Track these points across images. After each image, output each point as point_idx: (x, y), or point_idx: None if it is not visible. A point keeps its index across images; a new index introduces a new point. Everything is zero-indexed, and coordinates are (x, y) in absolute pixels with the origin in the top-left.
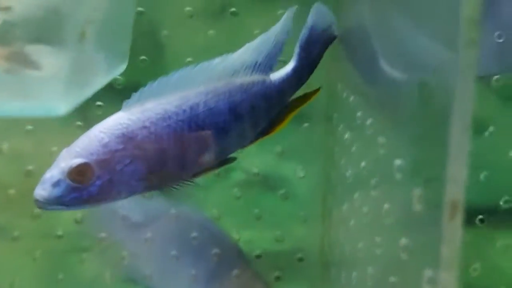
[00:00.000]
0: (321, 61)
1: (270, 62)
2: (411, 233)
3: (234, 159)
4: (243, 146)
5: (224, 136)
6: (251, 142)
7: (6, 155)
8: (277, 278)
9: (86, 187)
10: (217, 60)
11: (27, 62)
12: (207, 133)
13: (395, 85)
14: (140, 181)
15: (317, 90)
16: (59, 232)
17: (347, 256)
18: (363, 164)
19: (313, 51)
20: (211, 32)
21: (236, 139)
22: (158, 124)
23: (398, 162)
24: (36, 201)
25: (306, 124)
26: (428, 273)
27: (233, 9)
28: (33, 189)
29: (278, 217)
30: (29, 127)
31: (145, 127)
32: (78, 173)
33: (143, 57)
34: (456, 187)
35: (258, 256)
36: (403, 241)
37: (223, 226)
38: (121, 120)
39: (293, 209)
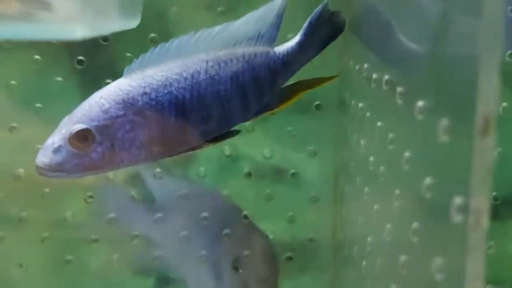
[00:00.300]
0: (334, 44)
1: (273, 34)
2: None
3: (237, 132)
4: (246, 119)
5: (225, 105)
6: (255, 115)
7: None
8: (289, 259)
9: (87, 153)
10: (218, 28)
11: (41, 4)
12: (209, 101)
13: (412, 58)
14: (141, 148)
15: (332, 77)
16: (68, 214)
17: (359, 236)
18: (376, 141)
19: (322, 29)
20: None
21: (238, 110)
22: (159, 90)
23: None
24: (38, 167)
25: (317, 103)
26: (457, 201)
27: None
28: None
29: (290, 199)
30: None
31: (145, 93)
32: (79, 139)
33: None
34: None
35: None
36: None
37: None
38: (122, 86)
39: (304, 190)
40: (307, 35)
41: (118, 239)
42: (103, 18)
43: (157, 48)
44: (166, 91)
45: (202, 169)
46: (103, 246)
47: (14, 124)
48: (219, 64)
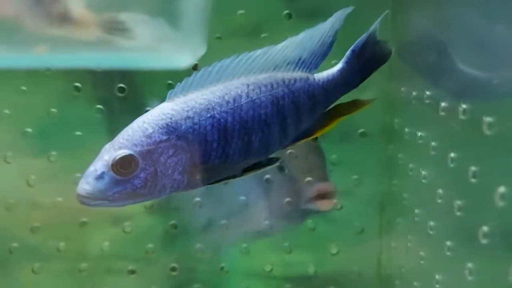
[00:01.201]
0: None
1: (315, 61)
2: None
3: (276, 160)
4: (285, 145)
5: (265, 130)
6: (293, 142)
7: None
8: None
9: (130, 180)
10: (259, 52)
11: (121, 31)
12: (250, 124)
13: (473, 82)
14: (184, 174)
15: (370, 100)
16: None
17: (415, 271)
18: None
19: (365, 57)
20: None
21: (278, 136)
22: (202, 114)
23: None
24: (79, 196)
25: (361, 130)
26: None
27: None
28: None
29: (333, 229)
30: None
31: (188, 117)
32: (122, 165)
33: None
34: None
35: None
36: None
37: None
38: (165, 111)
39: (349, 220)
40: (349, 63)
41: (155, 270)
42: (177, 53)
43: (200, 72)
44: (208, 115)
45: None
46: (140, 278)
47: (53, 153)
48: (260, 88)
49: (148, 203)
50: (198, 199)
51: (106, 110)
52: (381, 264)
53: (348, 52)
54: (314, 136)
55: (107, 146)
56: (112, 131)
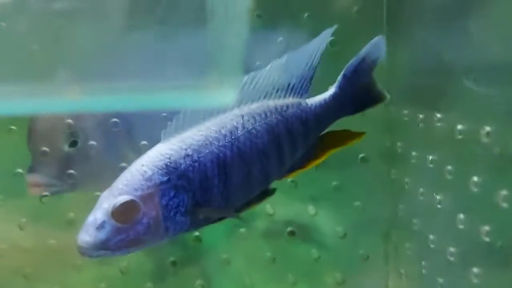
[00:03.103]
0: None
1: (305, 85)
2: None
3: (274, 190)
4: (281, 175)
5: (264, 160)
6: (288, 173)
7: None
8: None
9: (132, 227)
10: (245, 79)
11: None
12: (249, 156)
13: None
14: (186, 215)
15: (361, 133)
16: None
17: None
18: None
19: (357, 85)
20: None
21: (276, 164)
22: (201, 151)
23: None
24: (80, 248)
25: (362, 155)
26: None
27: None
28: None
29: (337, 257)
30: None
31: (187, 155)
32: (124, 212)
33: None
34: None
35: None
36: None
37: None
38: (163, 151)
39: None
40: (342, 88)
41: None
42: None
43: (189, 108)
44: (207, 151)
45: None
46: None
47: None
48: (254, 118)
49: None
50: None
51: None
52: None
53: (340, 77)
54: (308, 167)
55: (105, 193)
56: None
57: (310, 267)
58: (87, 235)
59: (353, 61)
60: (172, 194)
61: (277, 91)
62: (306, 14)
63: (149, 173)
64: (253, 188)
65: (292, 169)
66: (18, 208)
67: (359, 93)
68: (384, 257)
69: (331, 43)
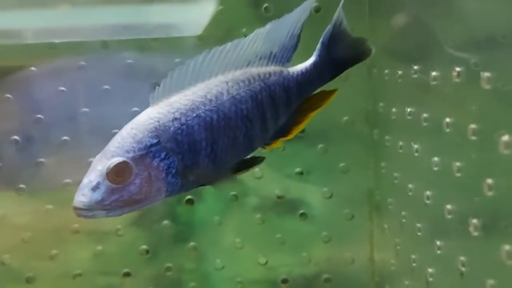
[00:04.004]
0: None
1: (286, 54)
2: None
3: (262, 159)
4: (266, 140)
5: (248, 125)
6: (272, 139)
7: None
8: (327, 280)
9: (125, 187)
10: (229, 46)
11: None
12: (234, 121)
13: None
14: (177, 177)
15: (334, 90)
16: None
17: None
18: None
19: (339, 51)
20: None
21: (260, 130)
22: (188, 115)
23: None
24: (76, 209)
25: (345, 119)
26: None
27: None
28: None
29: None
30: None
31: (176, 119)
32: (117, 173)
33: None
34: None
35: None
36: None
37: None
38: (152, 115)
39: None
40: (321, 57)
41: None
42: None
43: (176, 72)
44: (194, 115)
45: None
46: None
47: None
48: (239, 84)
49: None
50: None
51: None
52: (373, 247)
53: (318, 45)
54: (292, 135)
55: (98, 156)
56: None
57: (297, 227)
58: (82, 196)
59: (328, 28)
60: (162, 155)
61: (260, 59)
62: None
63: (139, 135)
64: (239, 152)
65: (276, 137)
66: None
67: (340, 60)
68: (368, 215)
69: (316, 9)
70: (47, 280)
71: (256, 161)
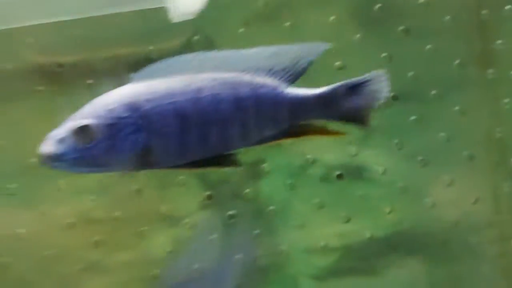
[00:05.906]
0: None
1: (286, 77)
2: None
3: (236, 164)
4: (247, 144)
5: (226, 125)
6: (264, 142)
7: None
8: None
9: (89, 148)
10: (230, 52)
11: None
12: (210, 117)
13: None
14: (141, 154)
15: (340, 133)
16: None
17: None
18: None
19: (344, 100)
20: None
21: (238, 133)
22: (164, 100)
23: None
24: (41, 156)
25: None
26: None
27: None
28: None
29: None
30: None
31: (150, 100)
32: (83, 134)
33: None
34: None
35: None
36: None
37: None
38: (130, 91)
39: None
40: (332, 94)
41: None
42: None
43: (166, 60)
44: (170, 101)
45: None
46: None
47: None
48: (225, 85)
49: None
50: None
51: None
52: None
53: (338, 84)
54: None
55: (74, 114)
56: None
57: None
58: (48, 145)
59: (358, 79)
60: (130, 130)
61: (257, 70)
62: None
63: (113, 105)
64: (210, 150)
65: (265, 141)
66: None
67: (342, 107)
68: (487, 154)
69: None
70: None
71: (228, 163)
